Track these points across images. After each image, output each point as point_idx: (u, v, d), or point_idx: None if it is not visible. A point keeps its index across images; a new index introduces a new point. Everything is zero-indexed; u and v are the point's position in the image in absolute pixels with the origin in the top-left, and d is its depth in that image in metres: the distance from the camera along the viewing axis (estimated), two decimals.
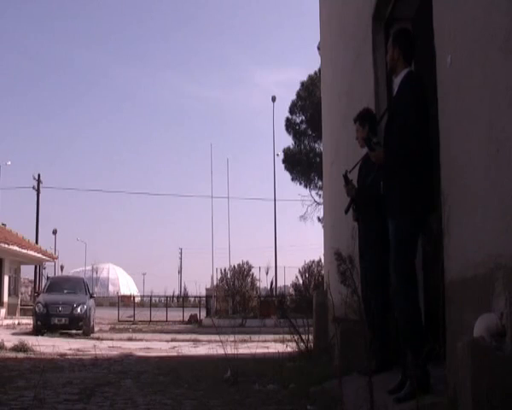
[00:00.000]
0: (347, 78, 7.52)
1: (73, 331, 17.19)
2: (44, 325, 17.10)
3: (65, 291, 18.68)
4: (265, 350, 9.88)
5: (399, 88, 4.10)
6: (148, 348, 12.15)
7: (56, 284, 19.61)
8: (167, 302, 37.65)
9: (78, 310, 17.36)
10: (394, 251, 3.95)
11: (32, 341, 11.01)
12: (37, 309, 17.52)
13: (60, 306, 17.26)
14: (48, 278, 22.95)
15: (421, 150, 3.84)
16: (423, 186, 3.86)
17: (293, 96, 31.19)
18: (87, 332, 17.24)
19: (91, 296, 19.17)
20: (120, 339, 15.29)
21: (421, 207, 3.87)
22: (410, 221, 3.87)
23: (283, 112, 43.61)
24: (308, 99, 29.99)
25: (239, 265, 30.96)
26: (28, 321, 25.51)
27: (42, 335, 15.96)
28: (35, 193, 40.26)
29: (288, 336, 8.13)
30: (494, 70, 2.93)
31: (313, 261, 29.78)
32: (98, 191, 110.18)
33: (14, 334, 16.42)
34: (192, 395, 5.48)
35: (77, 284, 19.68)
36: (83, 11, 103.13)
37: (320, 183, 26.55)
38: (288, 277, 46.43)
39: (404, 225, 3.88)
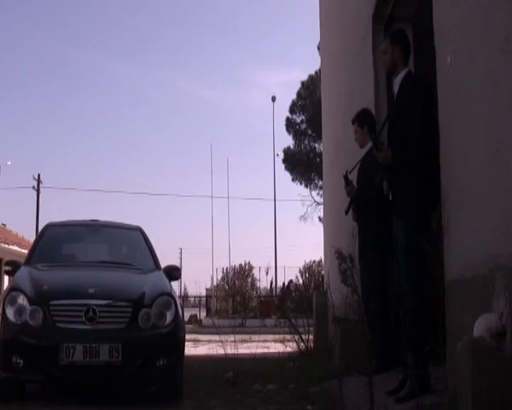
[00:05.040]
0: (347, 78, 7.52)
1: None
2: (29, 374, 4.73)
3: (94, 260, 6.22)
4: (265, 350, 9.88)
5: (401, 87, 4.08)
6: None
7: (68, 241, 6.68)
8: None
9: (165, 319, 5.04)
10: (404, 251, 3.90)
11: None
12: (10, 316, 4.74)
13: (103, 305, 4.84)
14: (45, 226, 6.44)
15: (429, 146, 3.83)
16: (432, 183, 3.84)
17: (294, 96, 31.24)
18: (179, 388, 5.26)
19: (172, 276, 5.78)
20: None
21: (430, 204, 3.86)
22: (420, 220, 3.84)
23: (283, 112, 43.54)
24: (308, 99, 29.98)
25: (240, 265, 31.06)
26: None
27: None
28: (35, 193, 40.22)
29: (288, 336, 8.13)
30: (494, 70, 2.93)
31: (313, 261, 29.86)
32: (98, 191, 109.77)
33: None
34: (192, 395, 5.48)
35: (131, 243, 6.61)
36: (82, 9, 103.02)
37: (320, 183, 26.54)
38: (288, 277, 46.35)
39: (415, 224, 3.84)
